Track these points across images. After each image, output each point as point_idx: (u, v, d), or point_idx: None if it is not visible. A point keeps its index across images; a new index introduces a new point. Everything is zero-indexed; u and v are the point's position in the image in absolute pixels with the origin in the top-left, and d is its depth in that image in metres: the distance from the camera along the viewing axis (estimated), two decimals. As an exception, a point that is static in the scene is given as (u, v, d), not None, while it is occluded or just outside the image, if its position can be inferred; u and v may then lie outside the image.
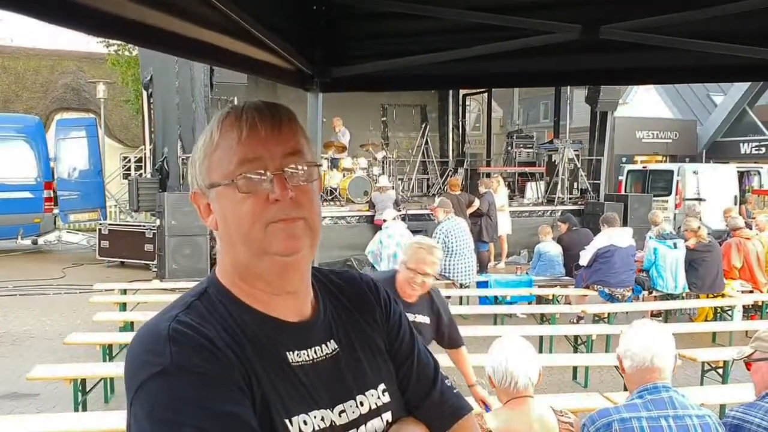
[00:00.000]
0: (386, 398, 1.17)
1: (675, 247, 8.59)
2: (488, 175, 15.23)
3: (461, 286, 8.70)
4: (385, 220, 8.91)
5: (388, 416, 1.16)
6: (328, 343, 1.13)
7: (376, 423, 1.14)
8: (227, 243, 1.08)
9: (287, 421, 1.02)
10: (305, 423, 1.03)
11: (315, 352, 1.10)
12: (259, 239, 1.03)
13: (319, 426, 1.05)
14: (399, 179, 16.03)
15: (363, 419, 1.12)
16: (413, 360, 1.24)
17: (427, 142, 17.42)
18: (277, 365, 1.05)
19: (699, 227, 8.77)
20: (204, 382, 0.95)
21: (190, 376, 0.95)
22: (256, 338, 1.05)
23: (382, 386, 1.17)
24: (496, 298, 8.69)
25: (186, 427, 0.91)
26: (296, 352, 1.08)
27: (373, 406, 1.14)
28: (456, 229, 8.52)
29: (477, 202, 11.65)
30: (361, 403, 1.12)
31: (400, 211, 11.87)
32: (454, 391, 1.27)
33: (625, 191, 17.01)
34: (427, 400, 1.22)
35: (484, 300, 8.97)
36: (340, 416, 1.09)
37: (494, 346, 2.67)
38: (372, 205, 12.21)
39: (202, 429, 0.91)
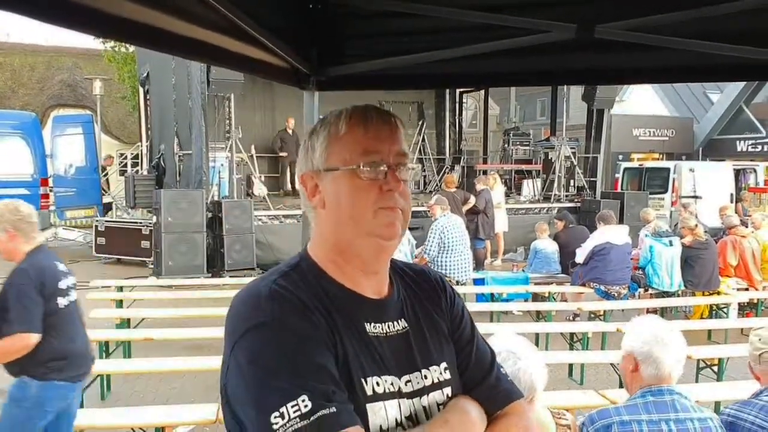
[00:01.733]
0: (447, 375, 1.28)
1: (671, 244, 8.61)
2: (485, 173, 15.22)
3: (457, 283, 8.66)
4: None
5: (448, 391, 1.27)
6: (399, 320, 1.26)
7: (437, 395, 1.25)
8: (333, 222, 1.22)
9: (363, 380, 1.15)
10: (377, 384, 1.16)
11: (388, 327, 1.24)
12: (368, 221, 1.19)
13: (388, 389, 1.17)
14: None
15: (426, 390, 1.24)
16: (473, 346, 1.36)
17: (424, 140, 17.41)
18: (357, 332, 1.18)
19: (696, 225, 8.78)
20: (299, 336, 1.09)
21: (287, 330, 1.10)
22: (341, 307, 1.19)
23: (444, 364, 1.29)
24: (492, 295, 8.71)
25: (282, 372, 1.06)
26: (373, 324, 1.21)
27: (436, 381, 1.26)
28: (452, 226, 8.51)
29: (473, 199, 11.66)
30: (425, 376, 1.24)
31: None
32: (508, 379, 1.38)
33: (622, 189, 17.04)
34: (483, 383, 1.32)
35: (480, 297, 8.97)
36: (406, 385, 1.21)
37: (498, 345, 2.50)
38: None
39: (295, 374, 1.06)
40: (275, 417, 1.03)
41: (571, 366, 6.58)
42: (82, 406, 5.12)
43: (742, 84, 23.71)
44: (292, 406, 1.03)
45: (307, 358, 1.08)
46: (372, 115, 1.22)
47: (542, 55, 2.35)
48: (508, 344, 2.50)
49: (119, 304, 7.70)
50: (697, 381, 5.89)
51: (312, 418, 1.03)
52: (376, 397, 1.15)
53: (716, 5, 1.93)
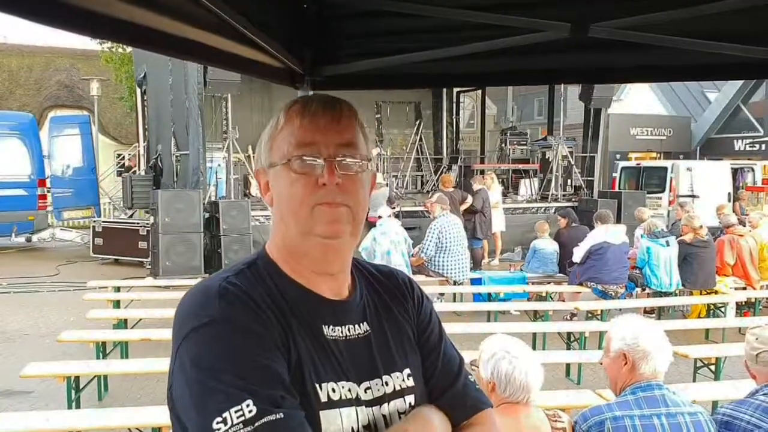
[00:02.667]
0: (411, 382, 1.23)
1: (667, 245, 8.60)
2: (482, 172, 15.24)
3: (455, 283, 8.72)
4: (379, 217, 8.92)
5: (411, 399, 1.22)
6: (361, 324, 1.21)
7: (399, 404, 1.20)
8: (279, 220, 1.19)
9: (317, 385, 1.10)
10: (333, 390, 1.11)
11: (348, 330, 1.19)
12: (305, 219, 1.14)
13: (345, 396, 1.13)
14: (393, 176, 16.07)
15: (387, 398, 1.19)
16: (439, 352, 1.31)
17: (421, 139, 17.43)
18: (314, 335, 1.14)
19: (701, 226, 8.74)
20: (247, 336, 1.05)
21: (235, 330, 1.05)
22: (297, 308, 1.14)
23: (407, 371, 1.24)
24: (489, 295, 8.72)
25: (227, 374, 1.00)
26: (331, 327, 1.17)
27: (398, 388, 1.21)
28: (450, 225, 8.53)
29: (470, 199, 11.69)
30: (386, 383, 1.19)
31: (394, 208, 11.87)
32: (477, 387, 1.33)
33: (619, 188, 17.05)
34: (449, 390, 1.28)
35: (477, 297, 8.98)
36: (365, 392, 1.16)
37: (494, 345, 2.49)
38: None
39: (240, 377, 1.00)
40: (217, 422, 0.97)
41: (568, 366, 6.58)
42: (79, 406, 5.13)
43: (739, 83, 23.75)
44: (236, 411, 0.97)
45: (254, 360, 1.03)
46: (312, 104, 1.17)
47: (538, 54, 2.35)
48: (504, 344, 2.50)
49: (116, 304, 7.70)
50: (694, 380, 5.89)
51: (256, 424, 0.97)
52: (332, 404, 1.10)
53: (711, 3, 1.93)
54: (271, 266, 1.19)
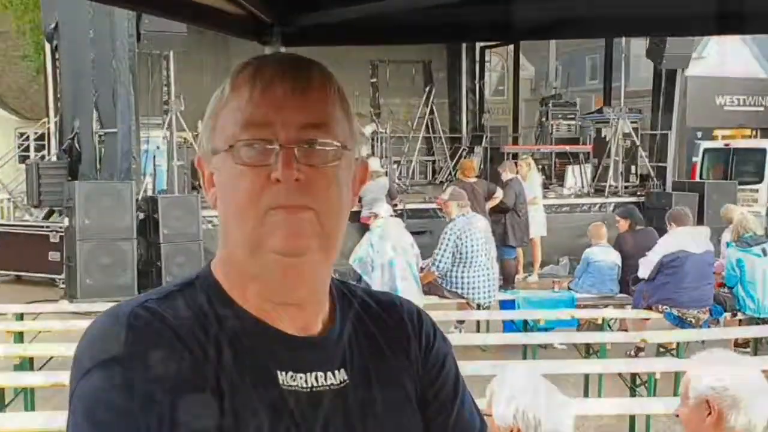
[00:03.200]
0: None
1: (764, 254, 8.57)
2: (515, 157, 15.24)
3: (479, 306, 8.73)
4: (376, 216, 8.91)
5: None
6: (336, 372, 1.16)
7: None
8: (223, 227, 1.17)
9: None
10: None
11: (315, 379, 1.14)
12: (253, 228, 1.09)
13: None
14: (395, 162, 16.08)
15: None
16: (450, 414, 1.27)
17: (432, 112, 17.43)
18: (262, 383, 1.09)
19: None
20: (159, 381, 1.02)
21: (142, 371, 1.02)
22: (240, 345, 1.10)
23: None
24: (525, 323, 8.69)
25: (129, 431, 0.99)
26: (290, 374, 1.12)
27: None
28: (471, 229, 8.52)
29: (499, 193, 11.69)
30: None
31: (396, 205, 11.86)
32: None
33: (701, 177, 17.10)
34: None
35: (509, 326, 8.97)
36: None
37: (516, 378, 2.52)
38: (358, 198, 12.22)
39: None
40: None
41: (632, 419, 6.58)
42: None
43: None
44: None
45: (165, 414, 1.00)
46: (267, 67, 1.14)
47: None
48: (527, 385, 2.50)
49: (19, 337, 7.67)
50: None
51: None
52: None
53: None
54: (214, 289, 1.16)
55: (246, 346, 1.11)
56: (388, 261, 8.10)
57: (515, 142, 17.85)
